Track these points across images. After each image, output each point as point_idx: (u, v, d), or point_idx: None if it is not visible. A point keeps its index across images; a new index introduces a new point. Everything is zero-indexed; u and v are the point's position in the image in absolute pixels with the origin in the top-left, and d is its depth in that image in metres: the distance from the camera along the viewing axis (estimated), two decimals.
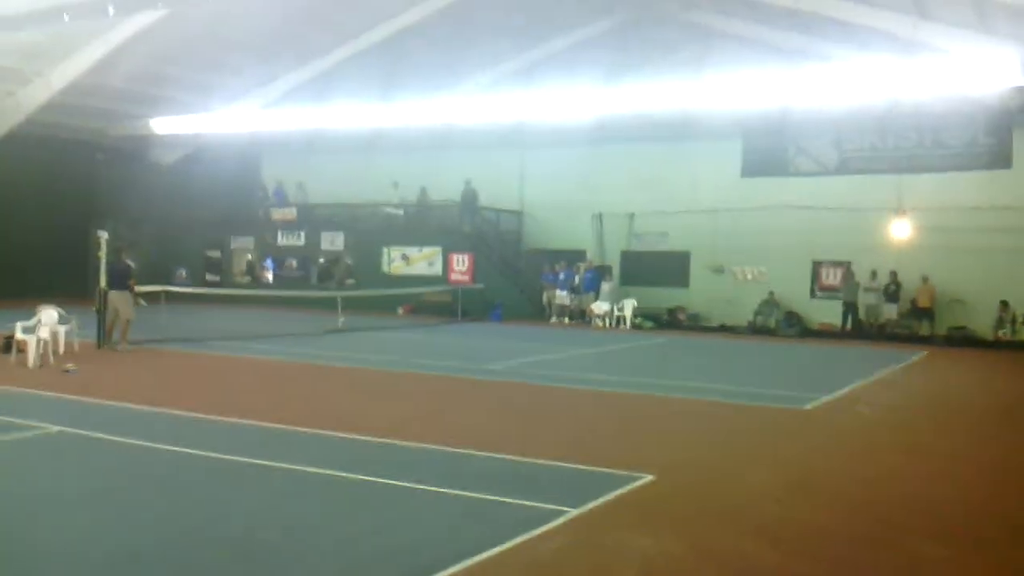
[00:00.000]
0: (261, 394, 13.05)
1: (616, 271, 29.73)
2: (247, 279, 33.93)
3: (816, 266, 27.40)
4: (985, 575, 6.11)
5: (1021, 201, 24.14)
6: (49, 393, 12.13)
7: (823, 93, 23.40)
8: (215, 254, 34.81)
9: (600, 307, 27.67)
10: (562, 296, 28.53)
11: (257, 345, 18.99)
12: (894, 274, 25.48)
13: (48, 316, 15.60)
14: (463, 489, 7.60)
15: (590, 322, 27.65)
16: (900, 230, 26.00)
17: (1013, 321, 23.83)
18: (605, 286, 28.25)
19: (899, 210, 25.97)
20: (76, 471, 8.26)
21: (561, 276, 28.60)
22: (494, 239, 31.23)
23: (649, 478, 8.09)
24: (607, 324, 27.28)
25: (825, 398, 13.47)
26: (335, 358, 17.09)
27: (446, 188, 30.91)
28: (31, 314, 15.70)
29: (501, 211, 31.85)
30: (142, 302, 26.58)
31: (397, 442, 9.47)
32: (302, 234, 33.23)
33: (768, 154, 28.05)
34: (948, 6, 19.37)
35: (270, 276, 33.77)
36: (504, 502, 7.24)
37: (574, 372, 15.99)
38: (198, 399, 11.93)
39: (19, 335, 15.20)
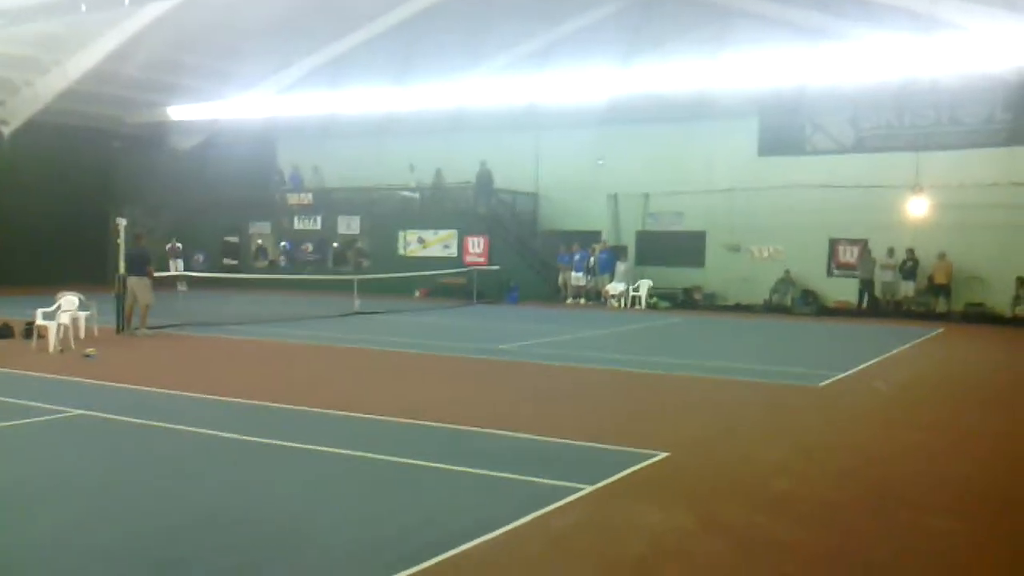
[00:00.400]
0: (279, 377, 13.18)
1: (631, 251, 29.77)
2: (264, 263, 34.15)
3: (833, 244, 27.35)
4: (994, 548, 6.16)
5: None
6: (70, 378, 12.29)
7: (840, 71, 23.35)
8: (233, 239, 35.03)
9: (615, 288, 27.72)
10: (578, 277, 28.61)
11: (274, 329, 19.17)
12: (911, 251, 25.41)
13: (68, 302, 15.79)
14: (479, 467, 7.69)
15: (605, 303, 27.72)
16: (917, 207, 25.91)
17: None
18: (620, 267, 28.28)
19: (916, 187, 25.87)
20: (97, 454, 8.39)
21: (576, 257, 28.66)
22: (509, 221, 31.30)
23: (663, 455, 8.17)
24: (622, 304, 27.33)
25: (840, 375, 13.50)
26: (352, 340, 17.22)
27: (461, 170, 30.99)
28: (51, 300, 15.90)
29: (516, 193, 31.92)
30: (182, 287, 27.68)
31: (414, 422, 9.59)
32: (318, 218, 33.43)
33: (784, 132, 27.97)
34: None
35: (286, 260, 33.96)
36: (520, 479, 7.34)
37: (590, 352, 16.06)
38: (217, 382, 12.09)
39: (40, 321, 15.42)
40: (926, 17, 20.83)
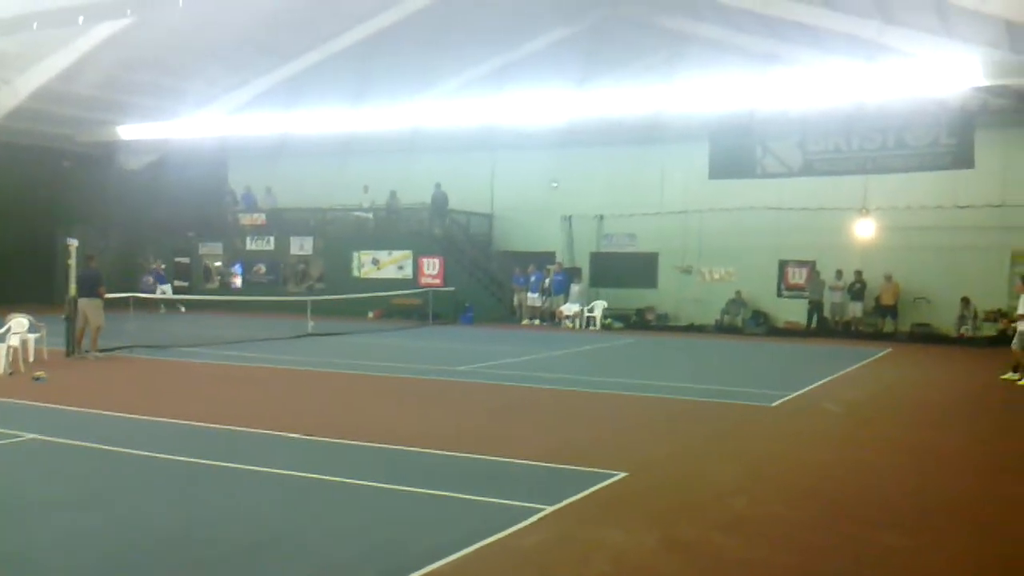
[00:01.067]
0: (231, 400, 13.07)
1: (585, 273, 29.95)
2: (214, 284, 33.83)
3: (783, 265, 27.77)
4: (940, 563, 6.31)
5: (983, 200, 24.66)
6: (20, 401, 12.10)
7: (789, 96, 23.78)
8: (184, 260, 34.65)
9: (570, 309, 27.88)
10: (533, 298, 28.72)
11: (227, 351, 18.99)
12: (859, 273, 25.89)
13: (18, 324, 15.54)
14: (440, 489, 7.73)
15: (560, 324, 27.85)
16: (864, 229, 26.45)
17: (975, 318, 24.31)
18: (575, 288, 28.45)
19: (863, 210, 26.42)
20: (49, 478, 8.28)
21: (532, 279, 28.78)
22: (464, 242, 31.35)
23: (623, 475, 8.26)
24: (577, 325, 27.49)
25: (791, 395, 13.72)
26: (305, 362, 17.13)
27: (416, 191, 31.01)
28: (0, 322, 15.63)
29: (471, 214, 32.01)
30: (163, 310, 27.78)
31: (372, 444, 9.58)
32: (271, 239, 33.18)
33: (735, 156, 28.37)
34: (911, 10, 19.74)
35: (239, 281, 33.68)
36: (481, 501, 7.38)
37: (546, 373, 16.13)
38: (168, 405, 11.95)
39: None
40: (873, 44, 21.33)
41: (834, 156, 27.28)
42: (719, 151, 28.56)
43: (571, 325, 27.54)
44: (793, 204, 26.83)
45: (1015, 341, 16.00)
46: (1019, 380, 15.56)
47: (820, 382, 15.41)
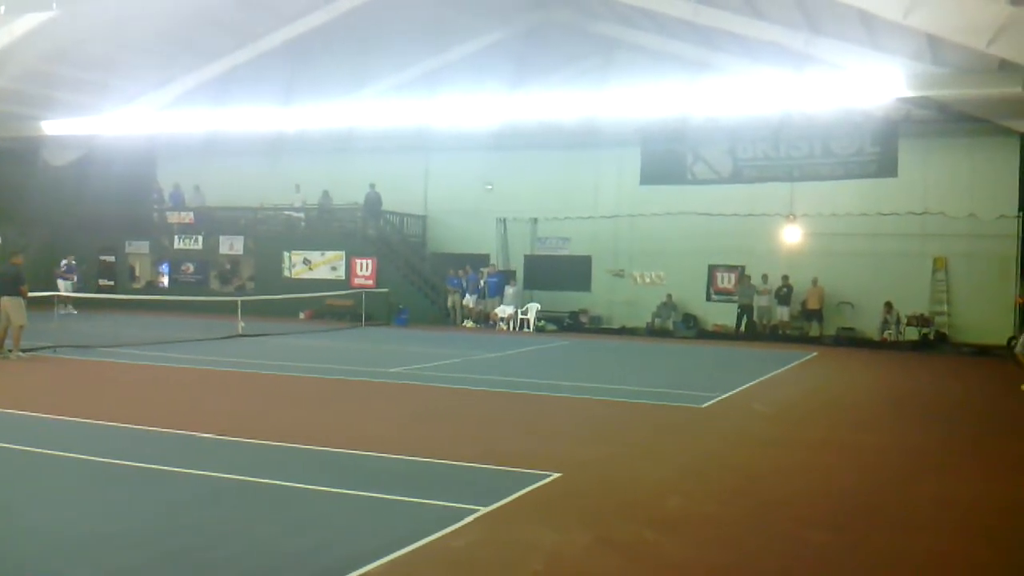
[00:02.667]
0: (156, 400, 12.82)
1: (520, 275, 30.04)
2: (139, 284, 33.17)
3: (712, 270, 28.19)
4: (865, 560, 6.47)
5: (906, 208, 25.36)
6: None
7: (720, 103, 24.13)
8: (109, 258, 33.89)
9: (504, 311, 27.94)
10: (468, 300, 28.72)
11: (153, 352, 18.63)
12: (786, 277, 26.41)
13: None
14: (371, 491, 7.67)
15: (494, 326, 27.89)
16: (791, 235, 27.00)
17: (897, 322, 24.96)
18: (509, 290, 28.52)
19: (791, 216, 26.96)
20: None
21: (467, 281, 28.78)
22: (398, 243, 31.22)
23: (556, 475, 8.31)
24: (511, 328, 27.55)
25: (721, 397, 13.94)
26: (234, 364, 16.87)
27: (349, 192, 30.81)
28: None
29: (405, 215, 31.89)
30: (72, 310, 26.38)
31: (302, 446, 9.48)
32: (200, 238, 32.63)
33: (667, 162, 28.73)
34: (838, 22, 20.17)
35: (166, 281, 33.06)
36: (414, 502, 7.35)
37: (479, 375, 16.14)
38: (93, 406, 11.70)
39: None
40: (802, 55, 21.77)
41: (763, 163, 27.78)
42: (651, 157, 28.90)
43: (505, 327, 27.60)
44: (723, 210, 27.27)
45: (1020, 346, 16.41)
46: None
47: (749, 384, 15.68)
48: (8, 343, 16.90)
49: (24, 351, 16.97)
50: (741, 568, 6.21)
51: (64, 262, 29.99)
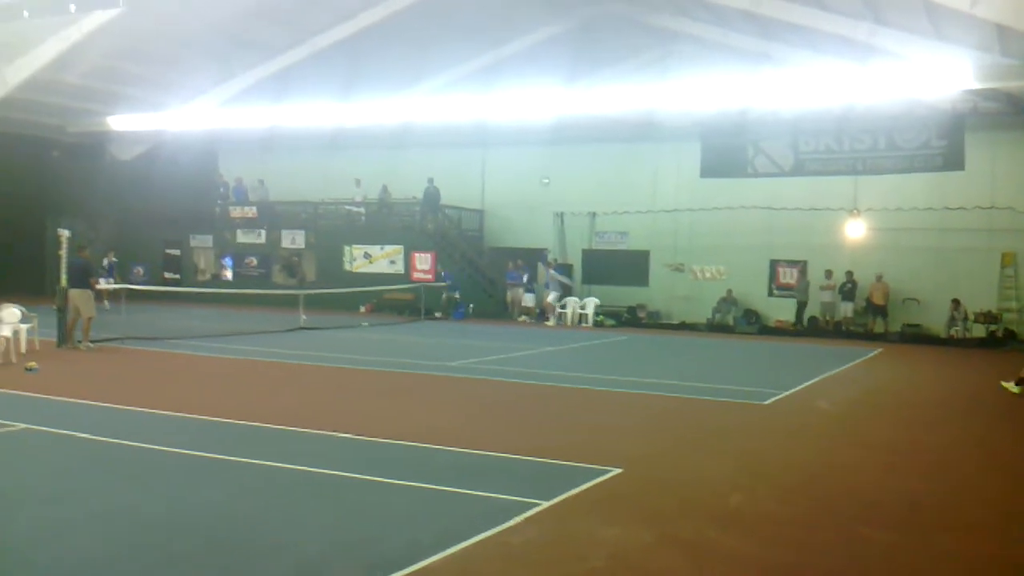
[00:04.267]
0: (222, 391, 13.07)
1: (577, 269, 29.97)
2: (206, 277, 33.75)
3: (773, 265, 27.84)
4: (928, 561, 6.35)
5: (973, 202, 24.74)
6: (12, 391, 12.07)
7: (781, 96, 23.82)
8: (174, 252, 34.52)
9: (558, 304, 27.88)
10: (528, 297, 28.73)
11: (217, 343, 18.95)
12: (850, 273, 25.97)
13: (10, 315, 15.48)
14: (434, 483, 7.73)
15: (550, 320, 27.84)
16: (855, 230, 26.54)
17: (964, 319, 24.42)
18: (561, 282, 28.36)
19: (854, 210, 26.50)
20: (42, 468, 8.27)
21: (525, 276, 28.80)
22: (456, 237, 31.34)
23: (617, 471, 8.28)
24: (569, 322, 27.49)
25: (783, 394, 13.77)
26: (297, 356, 17.09)
27: (408, 186, 30.97)
28: None
29: (463, 209, 31.99)
30: (107, 304, 26.20)
31: (363, 438, 9.58)
32: (262, 232, 33.09)
33: (727, 155, 28.41)
34: (902, 13, 19.79)
35: (229, 274, 33.57)
36: (476, 495, 7.39)
37: (539, 369, 16.14)
38: (161, 397, 11.93)
39: None
40: (865, 45, 21.38)
41: (825, 156, 27.34)
42: (711, 150, 28.61)
43: (551, 323, 27.45)
44: (784, 204, 26.89)
45: None
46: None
47: (812, 381, 15.48)
48: (77, 334, 17.32)
49: (92, 342, 17.38)
50: (804, 567, 6.13)
51: (105, 260, 29.21)
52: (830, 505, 7.64)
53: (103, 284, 26.15)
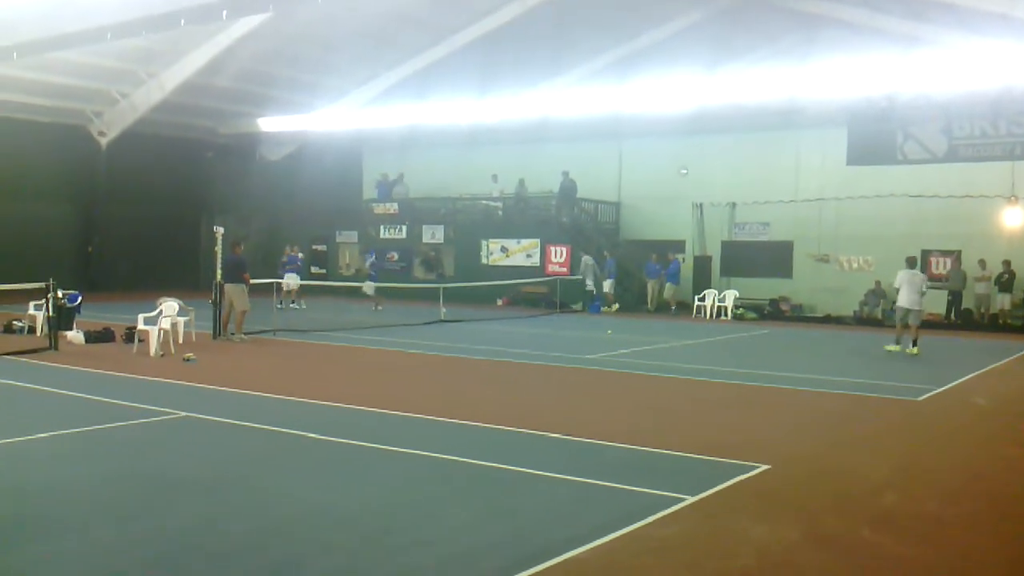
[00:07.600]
0: (372, 382, 13.41)
1: (716, 262, 29.48)
2: (349, 272, 34.71)
3: (925, 255, 26.70)
4: None
5: None
6: (172, 381, 12.69)
7: (932, 79, 22.84)
8: (321, 247, 35.67)
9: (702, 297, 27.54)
10: (669, 287, 28.45)
11: (363, 335, 19.45)
12: (1007, 263, 24.69)
13: (169, 307, 16.27)
14: (581, 476, 7.76)
15: (686, 312, 27.42)
16: (1013, 218, 25.21)
17: None
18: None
19: (1012, 197, 25.18)
20: (204, 454, 8.64)
21: (668, 269, 28.53)
22: (592, 230, 31.28)
23: (765, 467, 8.12)
24: (708, 315, 27.01)
25: (938, 390, 13.21)
26: (440, 348, 17.40)
27: (544, 180, 31.09)
28: (148, 306, 16.41)
29: (599, 202, 31.92)
30: (302, 304, 26.27)
31: (514, 429, 9.69)
32: (404, 228, 33.82)
33: (875, 141, 27.45)
34: None
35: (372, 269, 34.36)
36: (622, 489, 7.37)
37: (680, 363, 15.96)
38: (314, 387, 12.33)
39: (141, 326, 15.89)
40: (1022, 22, 20.29)
41: (980, 141, 26.11)
42: (857, 136, 27.69)
43: (696, 315, 27.09)
44: (936, 191, 25.79)
45: None
46: None
47: (968, 376, 14.81)
48: (232, 327, 18.09)
49: (246, 334, 18.12)
50: (963, 570, 5.88)
51: (289, 253, 28.14)
52: (994, 507, 7.30)
53: (290, 283, 25.80)
